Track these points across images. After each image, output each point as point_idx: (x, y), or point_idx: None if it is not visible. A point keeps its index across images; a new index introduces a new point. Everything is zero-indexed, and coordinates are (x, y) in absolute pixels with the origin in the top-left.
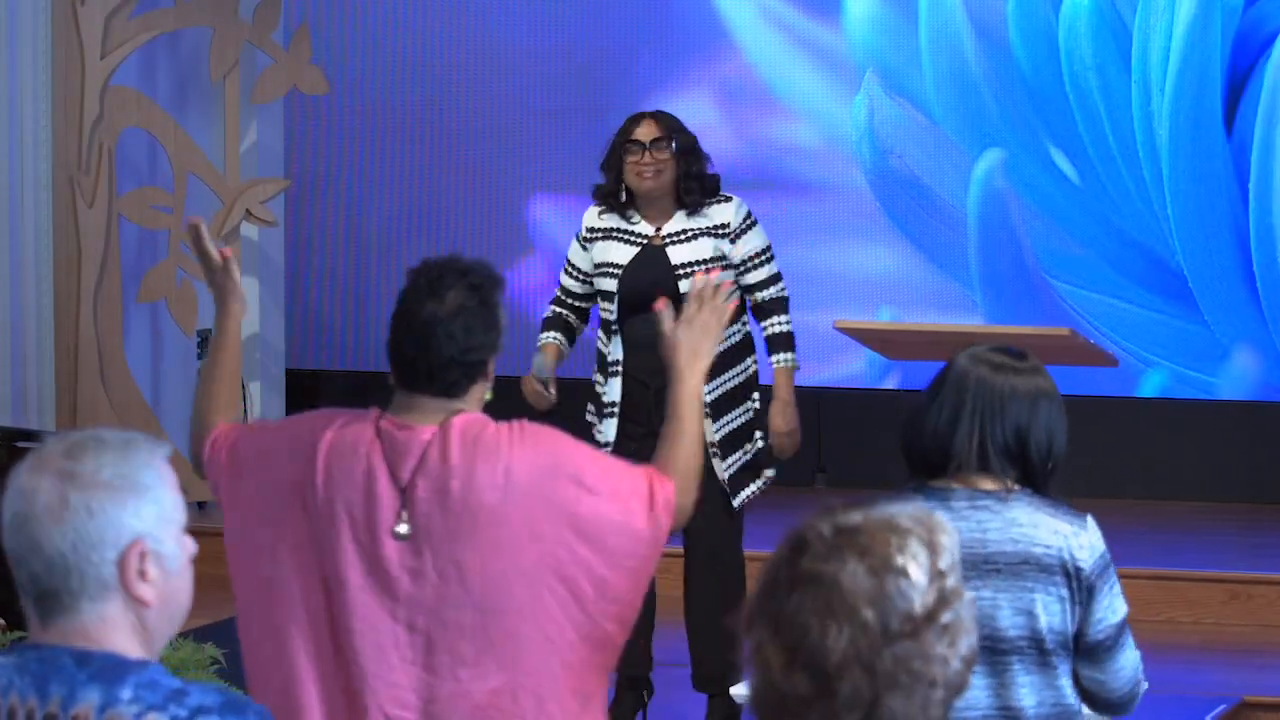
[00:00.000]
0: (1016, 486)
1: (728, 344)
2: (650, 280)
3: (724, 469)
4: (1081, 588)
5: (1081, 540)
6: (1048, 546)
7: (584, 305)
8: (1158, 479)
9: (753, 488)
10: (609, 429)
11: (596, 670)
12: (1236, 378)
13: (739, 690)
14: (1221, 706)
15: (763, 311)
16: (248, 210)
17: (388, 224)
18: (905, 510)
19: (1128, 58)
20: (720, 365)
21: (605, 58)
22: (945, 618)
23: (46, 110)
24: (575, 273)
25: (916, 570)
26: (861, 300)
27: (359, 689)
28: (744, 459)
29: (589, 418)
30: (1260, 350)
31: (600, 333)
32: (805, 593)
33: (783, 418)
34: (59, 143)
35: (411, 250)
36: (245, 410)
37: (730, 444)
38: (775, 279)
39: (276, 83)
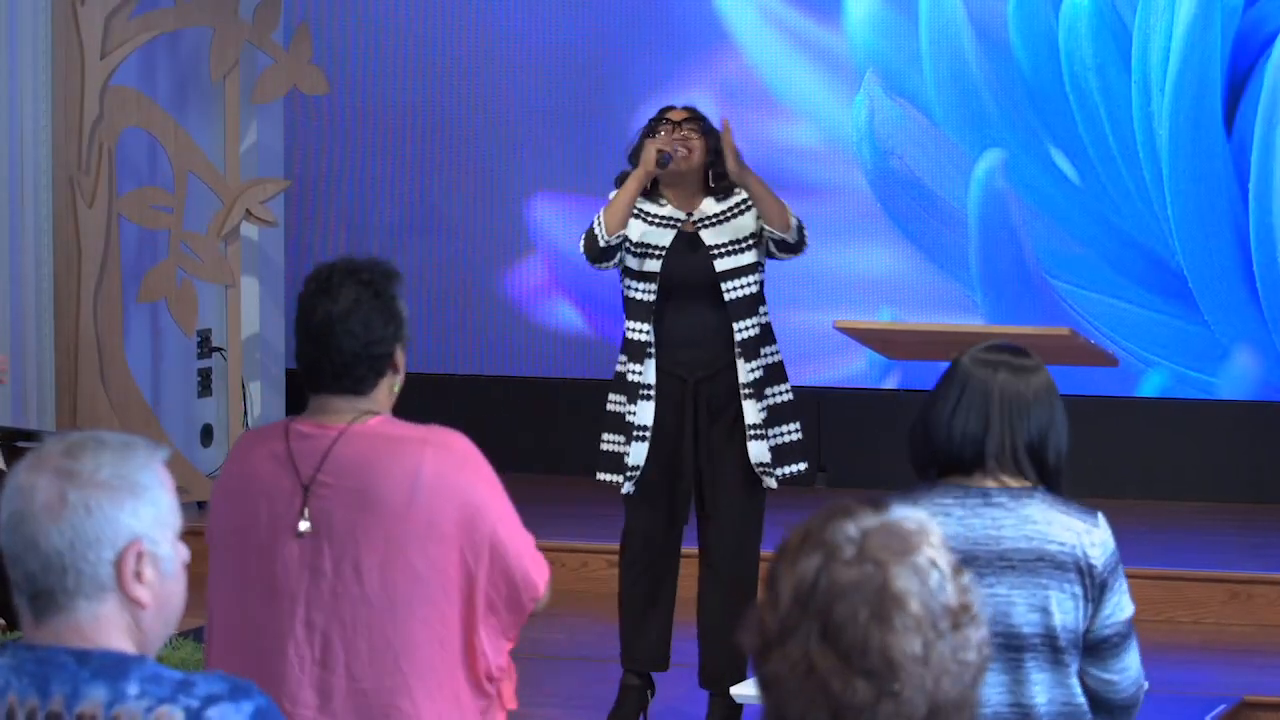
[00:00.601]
0: (1031, 485)
1: (761, 325)
2: (691, 262)
3: (772, 438)
4: (1094, 585)
5: (1094, 537)
6: (1062, 544)
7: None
8: (1158, 479)
9: (797, 467)
10: (638, 453)
11: (475, 685)
12: (1236, 378)
13: (739, 690)
14: (1221, 706)
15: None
16: (248, 210)
17: (388, 224)
18: (903, 513)
19: (1128, 58)
20: (757, 348)
21: (605, 58)
22: (973, 607)
23: (46, 110)
24: None
25: (943, 564)
26: (861, 300)
27: (268, 688)
28: (783, 439)
29: (605, 445)
30: (1260, 350)
31: (630, 324)
32: (854, 599)
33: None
34: (59, 143)
35: (412, 250)
36: (246, 410)
37: (776, 417)
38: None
39: (276, 83)
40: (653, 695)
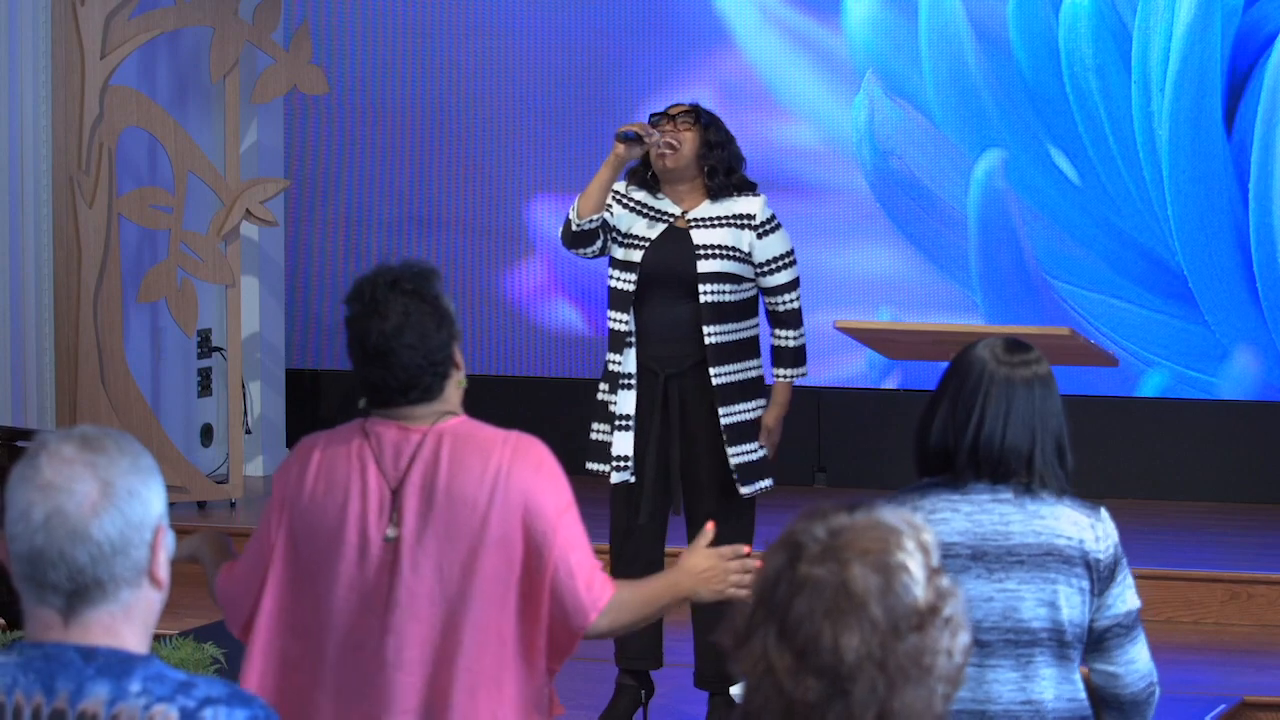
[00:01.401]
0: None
1: (739, 336)
2: (673, 258)
3: (733, 456)
4: (1099, 578)
5: (1098, 531)
6: (1069, 538)
7: (606, 231)
8: (1158, 479)
9: (763, 484)
10: (622, 442)
11: (531, 690)
12: (1236, 378)
13: (740, 690)
14: (1221, 706)
15: (778, 320)
16: (248, 210)
17: (388, 224)
18: (888, 511)
19: (1128, 58)
20: (732, 354)
21: (605, 58)
22: (946, 611)
23: (46, 110)
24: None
25: (915, 566)
26: (861, 300)
27: (352, 686)
28: (755, 454)
29: (594, 435)
30: (1260, 350)
31: (611, 314)
32: (811, 596)
33: (774, 416)
34: (59, 143)
35: (412, 250)
36: (246, 410)
37: (739, 434)
38: (792, 285)
39: (276, 83)
40: (650, 695)
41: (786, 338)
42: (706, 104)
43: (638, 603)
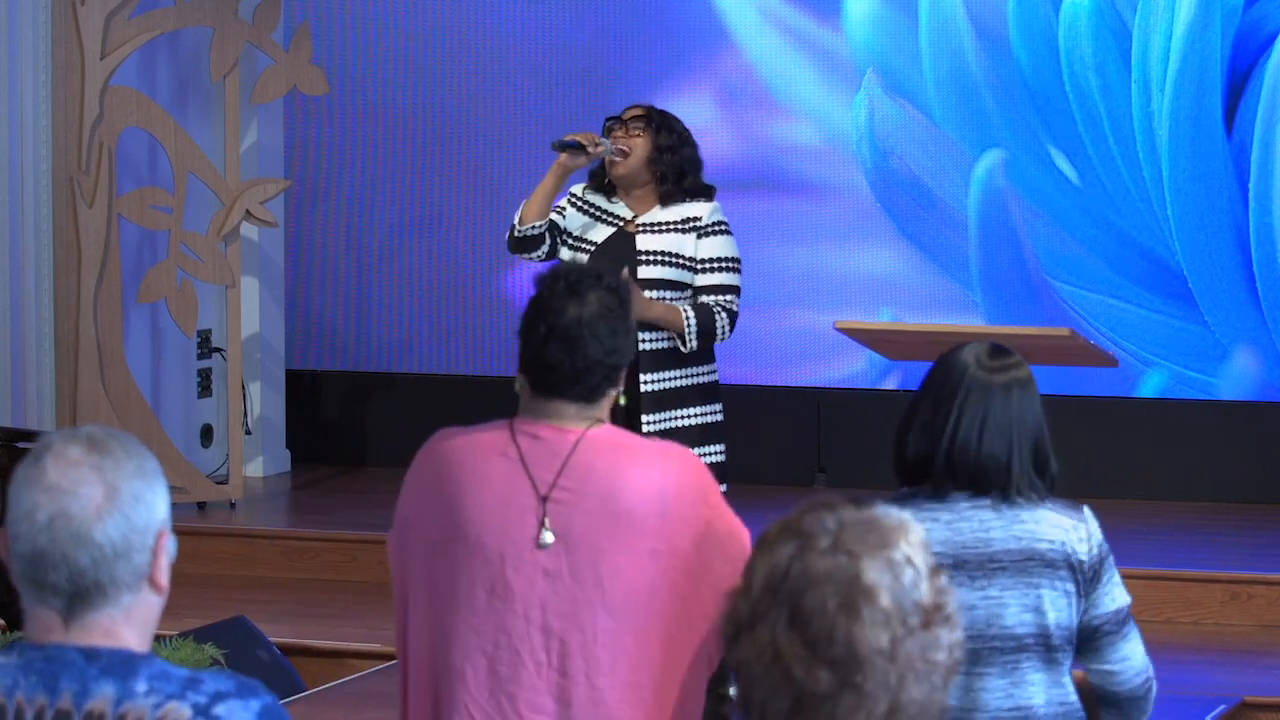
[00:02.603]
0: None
1: (658, 345)
2: (616, 261)
3: (646, 424)
4: (1085, 579)
5: (1081, 533)
6: (1051, 542)
7: (554, 235)
8: (1158, 479)
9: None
10: None
11: (697, 693)
12: (1236, 378)
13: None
14: (1221, 706)
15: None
16: (248, 210)
17: (388, 224)
18: (885, 510)
19: (1128, 58)
20: (667, 362)
21: (605, 59)
22: (947, 608)
23: (46, 110)
24: (557, 209)
25: (920, 562)
26: (861, 300)
27: (505, 692)
28: (709, 459)
29: None
30: (1260, 350)
31: None
32: (824, 588)
33: (649, 305)
34: (59, 143)
35: (412, 250)
36: (246, 410)
37: (693, 437)
38: (727, 290)
39: (276, 83)
40: None
41: (718, 312)
42: (706, 103)
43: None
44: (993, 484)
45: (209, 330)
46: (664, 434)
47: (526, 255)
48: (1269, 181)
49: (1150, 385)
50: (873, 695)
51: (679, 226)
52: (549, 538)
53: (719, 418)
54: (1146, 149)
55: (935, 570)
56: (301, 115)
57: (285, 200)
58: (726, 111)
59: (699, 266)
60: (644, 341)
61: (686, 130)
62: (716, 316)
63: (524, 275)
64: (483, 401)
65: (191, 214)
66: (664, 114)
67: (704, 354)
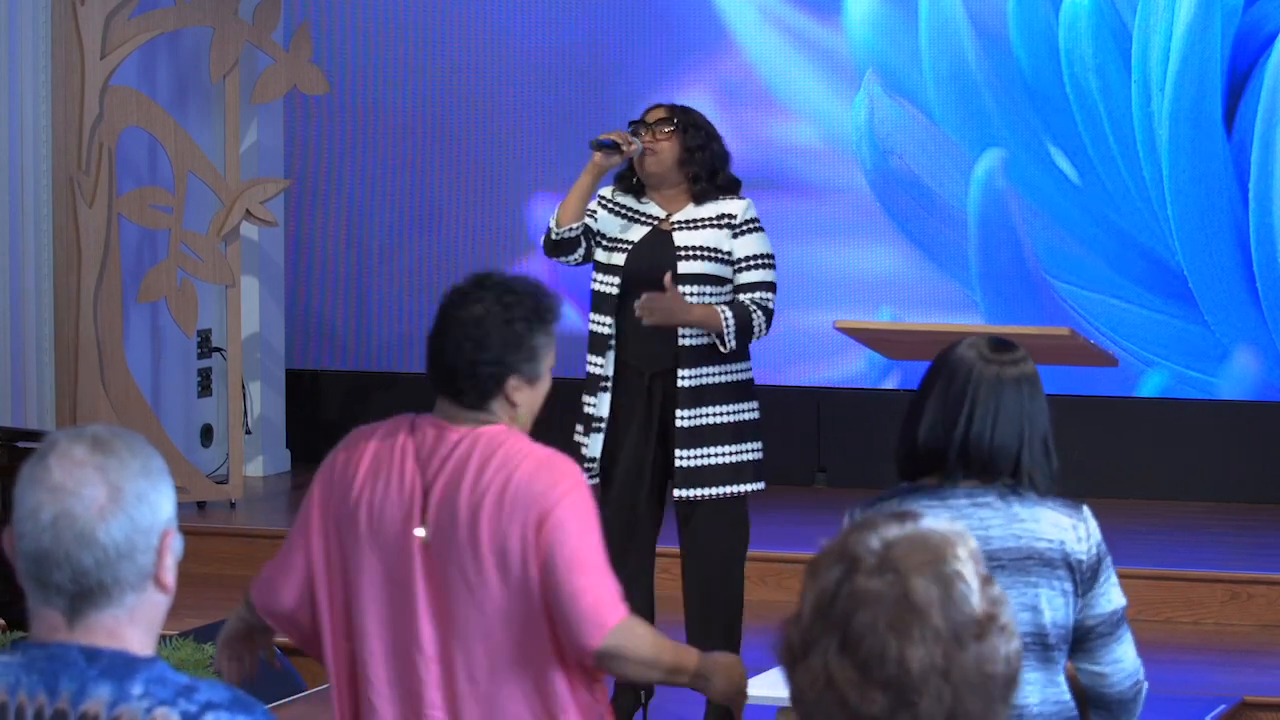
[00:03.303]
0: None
1: (699, 341)
2: (655, 259)
3: (679, 458)
4: (1082, 579)
5: (1080, 531)
6: (1049, 541)
7: (589, 237)
8: (1158, 479)
9: (744, 488)
10: (595, 444)
11: (574, 696)
12: (1236, 378)
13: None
14: (1221, 706)
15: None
16: (248, 210)
17: (388, 224)
18: (932, 524)
19: (1128, 58)
20: (705, 358)
21: (605, 58)
22: (1002, 619)
23: (46, 110)
24: (587, 212)
25: (970, 575)
26: (861, 300)
27: (405, 684)
28: (740, 457)
29: (577, 437)
30: (1260, 350)
31: (593, 316)
32: (872, 609)
33: (687, 308)
34: (59, 143)
35: (412, 250)
36: (246, 410)
37: (690, 438)
38: (765, 286)
39: (276, 83)
40: (650, 696)
41: (754, 311)
42: (706, 104)
43: (649, 642)
44: (1002, 473)
45: (209, 330)
46: (698, 430)
47: (564, 258)
48: (1269, 181)
49: (1150, 385)
50: (928, 713)
51: (715, 222)
52: (423, 532)
53: (755, 415)
54: (1146, 149)
55: (987, 580)
56: (301, 115)
57: (285, 200)
58: (726, 111)
59: (736, 265)
60: (682, 337)
61: (710, 124)
62: (754, 315)
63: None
64: None
65: (191, 214)
66: (687, 111)
67: (740, 351)
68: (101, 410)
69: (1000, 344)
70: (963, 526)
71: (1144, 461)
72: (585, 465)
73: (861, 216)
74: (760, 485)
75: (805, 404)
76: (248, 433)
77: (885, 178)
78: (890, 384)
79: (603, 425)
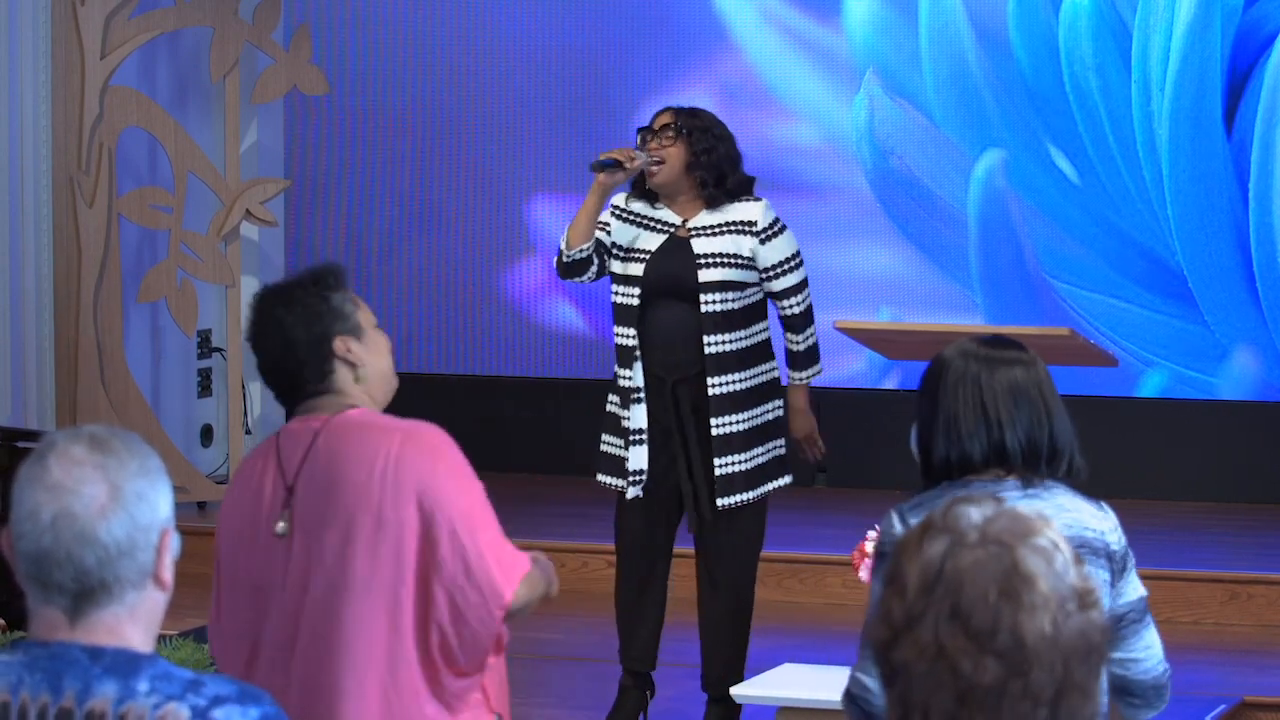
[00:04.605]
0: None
1: (741, 345)
2: (675, 268)
3: (717, 467)
4: (1116, 569)
5: (1111, 522)
6: (1094, 530)
7: (601, 253)
8: (1158, 479)
9: (772, 485)
10: (638, 456)
11: (433, 683)
12: (1236, 378)
13: (739, 690)
14: (1221, 706)
15: (789, 324)
16: (248, 210)
17: (388, 224)
18: (1017, 504)
19: (1128, 58)
20: (731, 364)
21: (605, 58)
22: (1095, 593)
23: (46, 110)
24: (600, 226)
25: (1065, 550)
26: (861, 300)
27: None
28: (742, 465)
29: (604, 446)
30: (1260, 350)
31: (616, 329)
32: (983, 578)
33: (797, 425)
34: (59, 143)
35: (412, 250)
36: (246, 410)
37: (726, 445)
38: (800, 287)
39: (276, 83)
40: (652, 696)
41: (797, 341)
42: (706, 104)
43: (535, 580)
44: (1043, 464)
45: (209, 330)
46: (730, 437)
47: (576, 279)
48: (1269, 181)
49: (1150, 385)
50: (1039, 682)
51: (733, 228)
52: (283, 526)
53: (780, 413)
54: (1146, 149)
55: (1078, 556)
56: (301, 115)
57: (285, 200)
58: (726, 111)
59: (769, 273)
60: (709, 346)
61: (719, 123)
62: (806, 343)
63: (523, 275)
64: (482, 401)
65: (191, 214)
66: (693, 114)
67: (762, 354)
68: (101, 410)
69: (995, 341)
70: (1051, 516)
71: (1144, 461)
72: (630, 478)
73: (861, 217)
74: (789, 479)
75: None
76: (248, 433)
77: (885, 178)
78: (890, 384)
79: (643, 437)
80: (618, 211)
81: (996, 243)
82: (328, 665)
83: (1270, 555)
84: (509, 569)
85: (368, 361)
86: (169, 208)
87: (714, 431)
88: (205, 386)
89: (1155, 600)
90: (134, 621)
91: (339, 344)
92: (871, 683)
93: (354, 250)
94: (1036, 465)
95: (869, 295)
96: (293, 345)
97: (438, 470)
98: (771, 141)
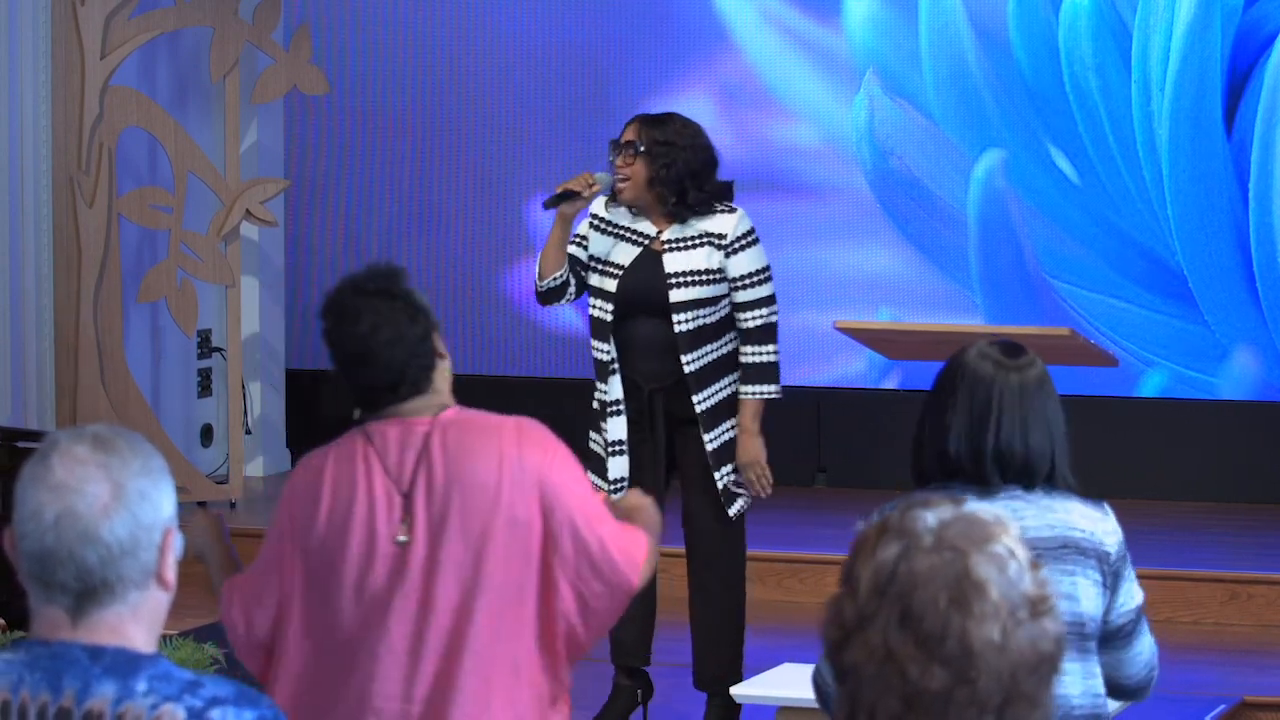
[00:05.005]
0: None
1: (719, 354)
2: (647, 285)
3: (720, 478)
4: (1110, 573)
5: (1107, 525)
6: (1082, 531)
7: (577, 270)
8: (1158, 479)
9: (742, 502)
10: (617, 467)
11: (550, 675)
12: (1236, 378)
13: (739, 690)
14: (1221, 706)
15: (746, 336)
16: (248, 210)
17: (387, 224)
18: (978, 507)
19: (1128, 58)
20: (712, 375)
21: (605, 58)
22: (1050, 600)
23: (46, 110)
24: (577, 240)
25: (1021, 556)
26: (861, 300)
27: (365, 690)
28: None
29: (592, 446)
30: (1260, 350)
31: (593, 343)
32: (934, 584)
33: (742, 447)
34: (59, 143)
35: (412, 250)
36: (246, 410)
37: (726, 455)
38: (765, 302)
39: (276, 83)
40: (648, 695)
41: (753, 353)
42: (706, 104)
43: (654, 553)
44: (1039, 476)
45: (209, 330)
46: (726, 446)
47: (556, 303)
48: (1269, 181)
49: (1150, 385)
50: (986, 690)
51: (704, 241)
52: (405, 536)
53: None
54: (1146, 149)
55: (1034, 562)
56: (301, 115)
57: (285, 200)
58: (726, 112)
59: (733, 283)
60: (687, 364)
61: (687, 130)
62: (760, 356)
63: (524, 275)
64: (482, 401)
65: (191, 214)
66: (656, 123)
67: (732, 365)
68: (101, 410)
69: (1011, 348)
70: (1011, 520)
71: (1144, 461)
72: (611, 486)
73: (861, 217)
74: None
75: (805, 404)
76: (248, 433)
77: (885, 178)
78: (890, 384)
79: (622, 448)
80: (595, 222)
81: (996, 243)
82: (456, 669)
83: (1270, 555)
84: (631, 553)
85: (449, 380)
86: (169, 208)
87: (709, 446)
88: (205, 386)
89: (1155, 600)
90: (136, 621)
91: (437, 340)
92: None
93: (354, 250)
94: (1036, 475)
95: (869, 295)
96: (402, 341)
97: (553, 465)
98: (771, 142)
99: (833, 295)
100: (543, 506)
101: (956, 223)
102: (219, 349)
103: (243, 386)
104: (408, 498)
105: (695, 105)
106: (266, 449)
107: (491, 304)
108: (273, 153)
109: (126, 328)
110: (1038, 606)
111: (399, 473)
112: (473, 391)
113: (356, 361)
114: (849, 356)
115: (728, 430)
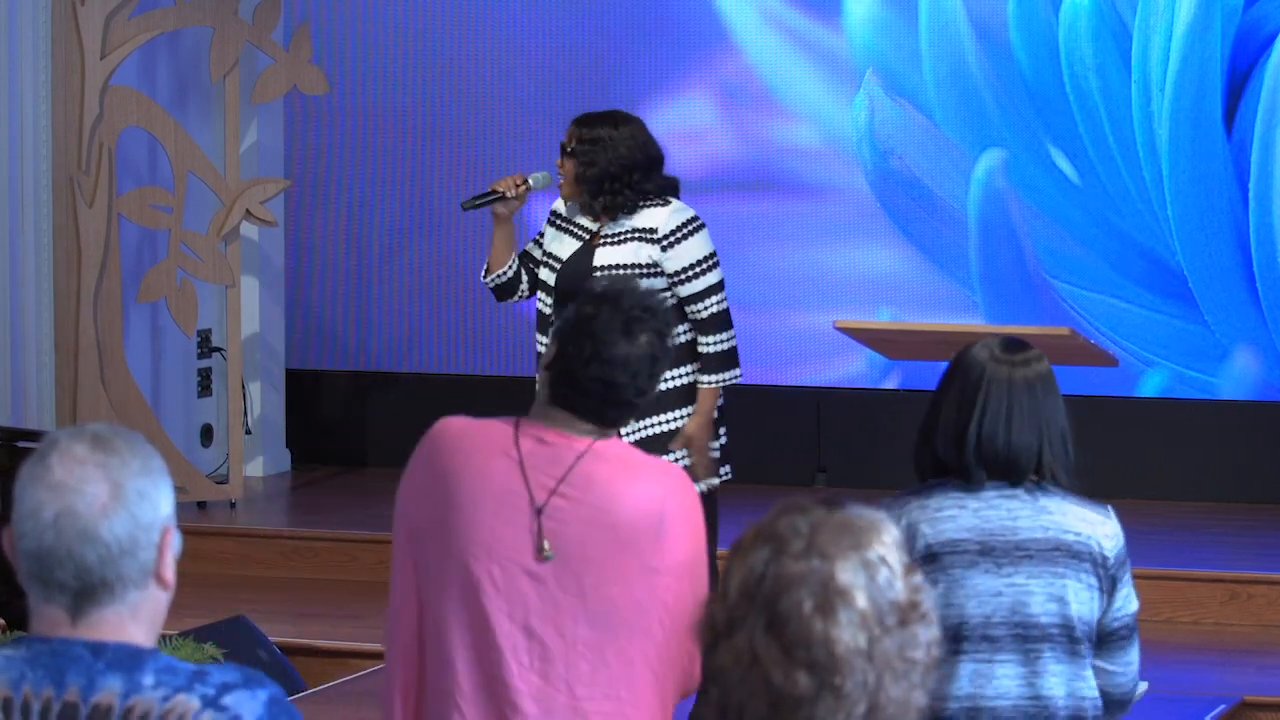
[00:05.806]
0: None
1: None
2: (578, 277)
3: (676, 461)
4: (1106, 577)
5: (1107, 529)
6: (1077, 534)
7: (530, 268)
8: (1158, 479)
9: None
10: None
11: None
12: (1236, 378)
13: None
14: (1221, 706)
15: (700, 327)
16: (248, 210)
17: (388, 224)
18: (859, 509)
19: (1128, 58)
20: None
21: (605, 58)
22: (923, 606)
23: (46, 110)
24: (536, 238)
25: (894, 561)
26: (861, 300)
27: (492, 690)
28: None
29: None
30: (1260, 350)
31: (537, 336)
32: (800, 590)
33: (691, 425)
34: (59, 143)
35: (412, 250)
36: (246, 410)
37: (646, 448)
38: (713, 290)
39: (276, 83)
40: None
41: (712, 343)
42: (706, 104)
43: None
44: (1025, 472)
45: (209, 330)
46: (647, 440)
47: (512, 300)
48: (1269, 181)
49: (1150, 385)
50: (851, 696)
51: (634, 236)
52: (548, 548)
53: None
54: (1146, 149)
55: (910, 568)
56: (301, 115)
57: (285, 200)
58: (726, 112)
59: (676, 278)
60: None
61: (619, 127)
62: (719, 345)
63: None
64: (483, 401)
65: (191, 214)
66: (585, 125)
67: (682, 356)
68: (101, 410)
69: (1013, 344)
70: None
71: (1144, 461)
72: None
73: (861, 217)
74: (723, 476)
75: (805, 404)
76: (248, 433)
77: (885, 178)
78: (890, 384)
79: None
80: (553, 219)
81: (996, 243)
82: (597, 702)
83: (1270, 555)
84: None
85: None
86: (169, 208)
87: (628, 438)
88: (205, 386)
89: (1155, 600)
90: (136, 620)
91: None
92: None
93: (354, 250)
94: (1021, 471)
95: (869, 295)
96: (643, 389)
97: (695, 524)
98: (771, 142)
99: (833, 295)
100: (677, 561)
101: (957, 223)
102: (219, 349)
103: (243, 386)
104: (543, 509)
105: (695, 105)
106: (266, 449)
107: (491, 304)
108: (273, 153)
109: (126, 328)
110: (908, 614)
111: (537, 482)
112: (473, 391)
113: (601, 368)
114: (849, 356)
115: (654, 425)
